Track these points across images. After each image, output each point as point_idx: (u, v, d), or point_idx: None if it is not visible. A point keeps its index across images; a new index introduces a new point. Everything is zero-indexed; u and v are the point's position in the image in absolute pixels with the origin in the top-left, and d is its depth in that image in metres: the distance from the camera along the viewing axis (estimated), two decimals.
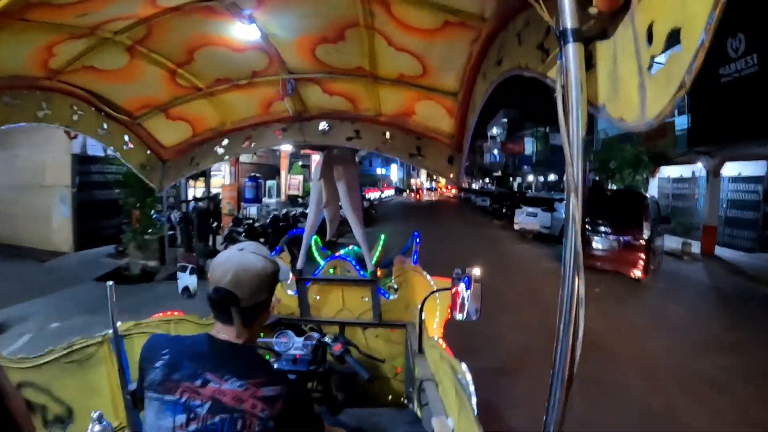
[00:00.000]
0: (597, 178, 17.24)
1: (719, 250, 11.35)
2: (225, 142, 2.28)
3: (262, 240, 8.97)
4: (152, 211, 8.05)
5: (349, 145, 2.12)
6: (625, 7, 0.73)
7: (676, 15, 0.60)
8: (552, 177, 30.94)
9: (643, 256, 7.66)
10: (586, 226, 8.20)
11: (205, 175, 9.48)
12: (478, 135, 62.46)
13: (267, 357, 1.95)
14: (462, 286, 1.81)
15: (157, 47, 1.59)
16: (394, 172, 62.27)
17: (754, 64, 9.11)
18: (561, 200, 13.28)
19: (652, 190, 14.98)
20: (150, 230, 8.11)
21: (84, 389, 1.58)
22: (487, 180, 53.07)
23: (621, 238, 8.00)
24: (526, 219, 13.72)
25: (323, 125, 2.12)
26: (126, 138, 2.07)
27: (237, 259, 1.05)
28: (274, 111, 2.15)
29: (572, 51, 0.75)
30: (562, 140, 0.77)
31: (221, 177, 13.79)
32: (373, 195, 32.53)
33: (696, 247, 11.30)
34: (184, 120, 2.16)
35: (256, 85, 1.92)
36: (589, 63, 0.80)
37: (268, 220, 10.18)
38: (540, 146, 34.42)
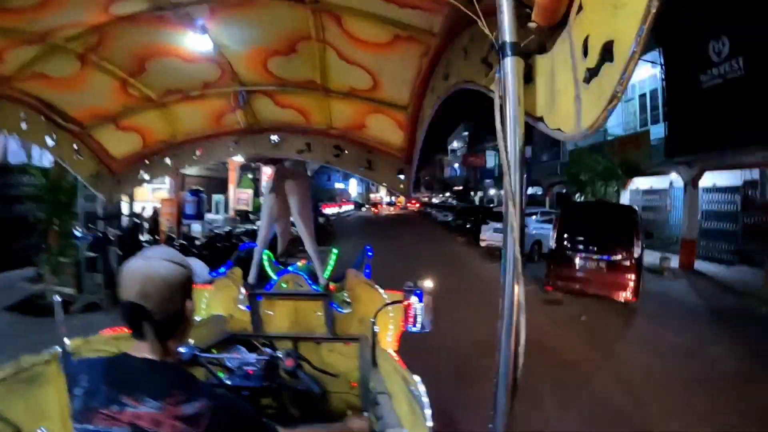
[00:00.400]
0: (565, 191, 17.46)
1: (698, 264, 11.22)
2: (176, 154, 2.36)
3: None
4: (73, 229, 7.31)
5: (300, 158, 2.25)
6: (563, 22, 0.79)
7: (608, 29, 0.65)
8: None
9: (633, 277, 7.06)
10: (566, 245, 7.88)
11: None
12: (437, 149, 62.34)
13: (220, 374, 1.97)
14: (414, 298, 1.95)
15: (108, 56, 1.65)
16: (353, 187, 62.35)
17: (739, 68, 8.84)
18: (530, 215, 13.38)
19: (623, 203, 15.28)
20: (66, 252, 7.35)
21: (32, 410, 1.57)
22: (447, 194, 54.27)
23: (608, 258, 7.36)
24: (493, 235, 13.19)
25: (274, 138, 2.24)
26: (75, 148, 2.10)
27: (143, 268, 1.00)
28: (225, 123, 2.25)
29: (510, 64, 0.80)
30: (500, 150, 0.84)
31: (166, 190, 13.12)
32: (330, 210, 32.09)
33: (674, 261, 10.97)
34: (135, 131, 2.22)
35: (208, 97, 2.02)
36: (529, 77, 0.87)
37: (205, 240, 9.51)
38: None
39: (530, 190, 25.87)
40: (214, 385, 1.82)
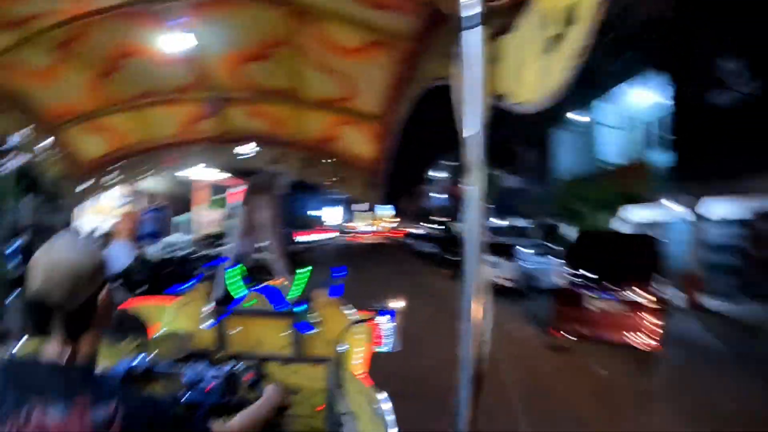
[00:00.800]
0: (553, 223, 17.67)
1: (704, 300, 10.75)
2: (145, 160, 2.43)
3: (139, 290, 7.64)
4: None
5: (270, 169, 2.32)
6: None
7: None
8: (504, 222, 31.45)
9: (657, 320, 6.18)
10: (575, 280, 6.96)
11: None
12: (418, 178, 64.43)
13: (177, 389, 1.97)
14: (383, 318, 2.02)
15: (85, 50, 1.72)
16: (332, 215, 62.81)
17: (752, 88, 8.77)
18: (529, 246, 13.42)
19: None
20: None
21: None
22: (427, 225, 55.27)
23: (627, 297, 6.47)
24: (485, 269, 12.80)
25: (246, 148, 2.33)
26: (46, 145, 2.14)
27: (46, 256, 0.96)
28: (197, 131, 2.35)
29: (472, 37, 0.84)
30: (458, 127, 0.89)
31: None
32: (304, 239, 31.24)
33: (676, 297, 10.13)
34: (105, 133, 2.28)
35: (181, 103, 2.13)
36: (495, 58, 0.92)
37: (150, 264, 8.51)
38: (491, 189, 37.23)
39: (521, 223, 26.06)
40: (169, 401, 1.83)
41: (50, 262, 0.95)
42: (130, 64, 1.82)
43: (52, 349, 0.96)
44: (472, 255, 0.88)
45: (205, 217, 15.71)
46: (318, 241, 35.86)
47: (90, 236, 1.23)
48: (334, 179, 2.37)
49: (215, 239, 13.70)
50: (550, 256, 12.69)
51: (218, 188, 17.32)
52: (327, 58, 1.69)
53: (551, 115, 19.24)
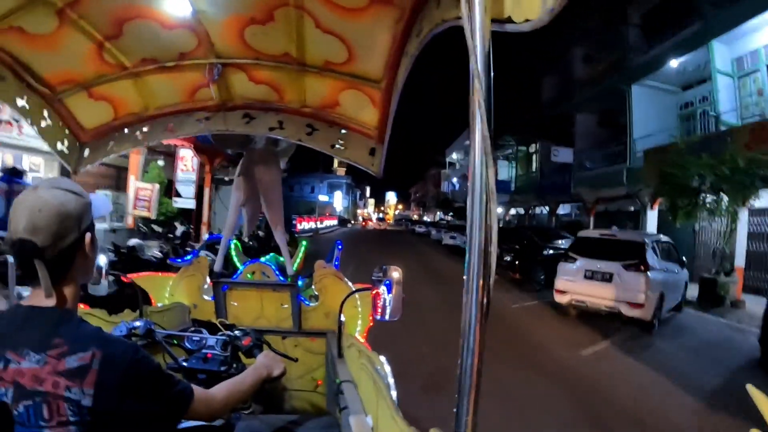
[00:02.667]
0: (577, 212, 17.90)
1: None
2: (146, 128, 2.52)
3: None
4: None
5: (272, 135, 2.44)
6: None
7: None
8: (543, 209, 26.32)
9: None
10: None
11: None
12: (434, 162, 63.05)
13: (178, 354, 2.03)
14: (383, 288, 2.12)
15: (87, 14, 1.79)
16: (339, 200, 62.04)
17: None
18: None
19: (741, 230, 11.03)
20: None
21: None
22: (443, 213, 52.56)
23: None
24: (582, 283, 8.27)
25: (246, 115, 2.42)
26: (45, 113, 2.25)
27: (31, 199, 0.96)
28: (198, 98, 2.43)
29: None
30: (471, 66, 0.86)
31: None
32: (306, 225, 29.99)
33: None
34: (107, 101, 2.38)
35: (182, 69, 2.20)
36: None
37: None
38: (522, 169, 30.89)
39: (563, 209, 24.62)
40: (174, 368, 1.94)
41: (34, 205, 0.95)
42: (134, 28, 1.88)
43: (33, 296, 0.97)
44: (475, 266, 0.85)
45: (138, 193, 11.70)
46: (326, 228, 35.35)
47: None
48: (336, 146, 2.44)
49: (153, 227, 11.19)
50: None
51: (160, 153, 13.66)
52: (329, 20, 1.74)
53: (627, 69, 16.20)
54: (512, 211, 32.62)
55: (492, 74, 0.88)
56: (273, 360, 1.54)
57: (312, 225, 32.48)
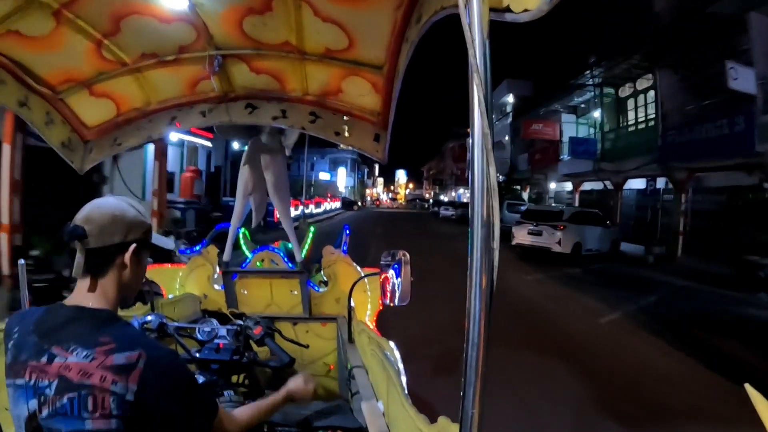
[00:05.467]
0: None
1: None
2: (149, 122, 2.63)
3: None
4: None
5: (275, 124, 2.55)
6: None
7: None
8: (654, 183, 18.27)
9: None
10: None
11: None
12: (451, 135, 58.79)
13: (190, 345, 2.14)
14: (392, 272, 2.26)
15: (83, 13, 1.87)
16: (342, 178, 57.23)
17: None
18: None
19: None
20: None
21: None
22: (461, 190, 48.35)
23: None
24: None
25: (249, 105, 2.52)
26: (47, 113, 2.37)
27: (99, 200, 1.14)
28: (200, 91, 2.53)
29: None
30: (469, 55, 0.87)
31: None
32: (294, 212, 24.75)
33: None
34: (109, 98, 2.49)
35: (183, 63, 2.28)
36: None
37: None
38: (610, 120, 21.88)
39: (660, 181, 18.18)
40: (187, 360, 2.03)
41: (97, 204, 1.12)
42: (132, 24, 1.96)
43: (81, 290, 1.09)
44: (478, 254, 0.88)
45: None
46: (325, 212, 31.96)
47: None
48: (340, 133, 2.54)
49: None
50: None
51: None
52: (327, 8, 1.80)
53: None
54: (586, 186, 24.45)
55: (490, 67, 0.90)
56: (302, 389, 1.65)
57: (307, 210, 26.46)
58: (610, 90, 21.60)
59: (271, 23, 1.97)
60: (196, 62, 2.28)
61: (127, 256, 1.12)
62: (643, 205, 19.65)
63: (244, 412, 1.36)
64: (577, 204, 24.37)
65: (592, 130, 23.79)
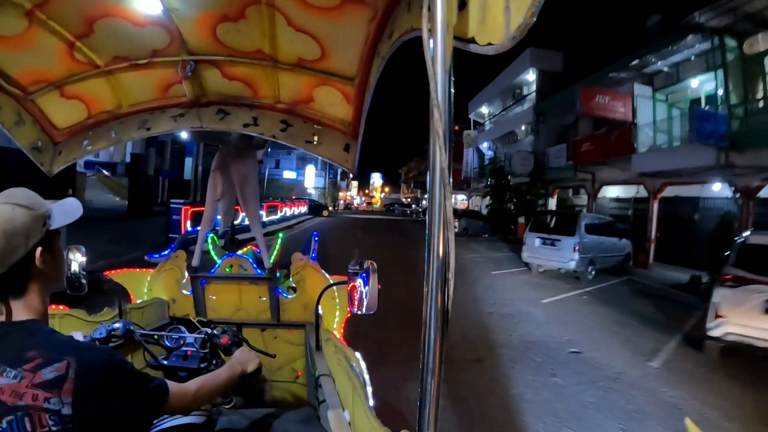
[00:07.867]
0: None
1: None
2: (120, 125, 2.69)
3: None
4: None
5: (246, 132, 2.61)
6: None
7: None
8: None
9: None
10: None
11: None
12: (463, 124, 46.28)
13: (157, 353, 2.17)
14: (360, 281, 2.39)
15: (56, 14, 1.92)
16: (311, 178, 52.42)
17: None
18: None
19: None
20: None
21: None
22: (464, 195, 39.60)
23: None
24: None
25: (221, 111, 2.60)
26: (17, 114, 2.41)
27: None
28: (171, 95, 2.59)
29: None
30: (431, 88, 0.89)
31: None
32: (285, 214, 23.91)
33: None
34: (80, 100, 2.53)
35: (155, 66, 2.34)
36: (462, 4, 0.98)
37: None
38: (735, 90, 13.14)
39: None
40: (152, 366, 2.09)
41: None
42: (105, 27, 2.01)
43: (5, 312, 1.07)
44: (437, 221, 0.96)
45: None
46: (289, 218, 28.98)
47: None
48: (310, 142, 2.62)
49: None
50: None
51: None
52: (301, 18, 1.88)
53: None
54: (668, 192, 16.43)
55: (452, 99, 0.93)
56: (248, 356, 1.73)
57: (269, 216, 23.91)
58: (731, 42, 13.39)
59: (244, 30, 2.05)
60: (169, 66, 2.35)
61: (38, 260, 1.10)
62: None
63: (195, 381, 1.39)
64: (655, 223, 16.71)
65: (676, 111, 15.95)
